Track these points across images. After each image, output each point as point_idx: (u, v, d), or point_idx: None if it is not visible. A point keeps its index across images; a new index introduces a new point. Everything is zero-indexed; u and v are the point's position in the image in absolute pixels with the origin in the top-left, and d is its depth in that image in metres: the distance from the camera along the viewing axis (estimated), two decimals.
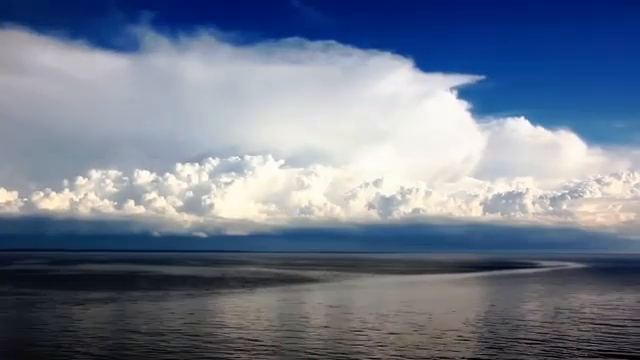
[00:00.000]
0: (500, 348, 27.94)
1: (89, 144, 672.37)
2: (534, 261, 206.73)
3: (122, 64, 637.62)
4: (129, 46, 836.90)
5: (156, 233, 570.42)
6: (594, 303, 49.80)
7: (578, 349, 27.83)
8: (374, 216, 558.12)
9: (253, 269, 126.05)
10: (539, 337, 31.02)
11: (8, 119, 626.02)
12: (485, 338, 30.83)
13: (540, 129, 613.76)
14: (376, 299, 56.18)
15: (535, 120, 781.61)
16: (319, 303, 50.12)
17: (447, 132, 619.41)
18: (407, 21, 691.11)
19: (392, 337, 31.18)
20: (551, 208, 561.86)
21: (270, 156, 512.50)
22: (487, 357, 25.99)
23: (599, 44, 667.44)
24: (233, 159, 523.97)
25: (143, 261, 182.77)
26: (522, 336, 31.35)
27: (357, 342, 29.53)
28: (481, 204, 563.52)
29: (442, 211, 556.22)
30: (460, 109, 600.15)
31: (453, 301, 52.42)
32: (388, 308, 45.34)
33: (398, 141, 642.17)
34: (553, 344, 28.95)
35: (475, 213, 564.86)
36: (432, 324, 35.92)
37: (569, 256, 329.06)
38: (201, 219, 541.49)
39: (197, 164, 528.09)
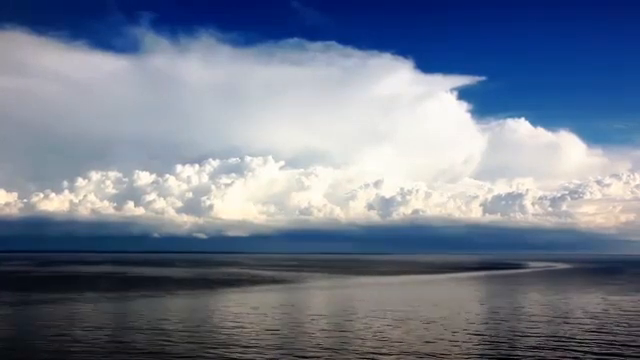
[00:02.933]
0: (398, 345, 28.11)
1: (89, 145, 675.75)
2: (525, 262, 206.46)
3: (122, 65, 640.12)
4: (129, 47, 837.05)
5: (156, 234, 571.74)
6: (536, 303, 50.06)
7: (489, 344, 27.98)
8: (374, 217, 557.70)
9: (234, 270, 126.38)
10: (450, 336, 31.28)
11: (8, 120, 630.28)
12: (388, 338, 30.95)
13: (540, 130, 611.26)
14: (323, 300, 56.36)
15: (535, 121, 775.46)
16: (261, 304, 50.34)
17: (447, 133, 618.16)
18: (407, 22, 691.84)
19: (303, 336, 31.39)
20: (551, 209, 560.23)
21: (270, 157, 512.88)
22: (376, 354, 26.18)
23: (599, 45, 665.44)
24: (233, 160, 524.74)
25: (131, 262, 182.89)
26: (428, 334, 31.57)
27: (258, 341, 29.73)
28: (481, 205, 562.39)
29: (442, 212, 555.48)
30: (460, 110, 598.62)
31: (395, 303, 52.49)
32: (326, 309, 45.66)
33: (398, 142, 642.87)
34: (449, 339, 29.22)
35: (475, 214, 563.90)
36: (352, 325, 36.11)
37: (564, 257, 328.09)
38: (201, 220, 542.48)
39: (197, 165, 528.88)
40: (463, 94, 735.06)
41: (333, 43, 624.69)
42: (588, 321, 38.13)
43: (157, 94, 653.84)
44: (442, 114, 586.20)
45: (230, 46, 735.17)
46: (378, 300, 54.63)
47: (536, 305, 48.51)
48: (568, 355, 26.63)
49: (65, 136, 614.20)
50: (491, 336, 31.59)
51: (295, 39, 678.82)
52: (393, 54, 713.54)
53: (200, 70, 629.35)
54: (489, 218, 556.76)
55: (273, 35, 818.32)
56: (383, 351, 27.27)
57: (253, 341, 29.86)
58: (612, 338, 31.28)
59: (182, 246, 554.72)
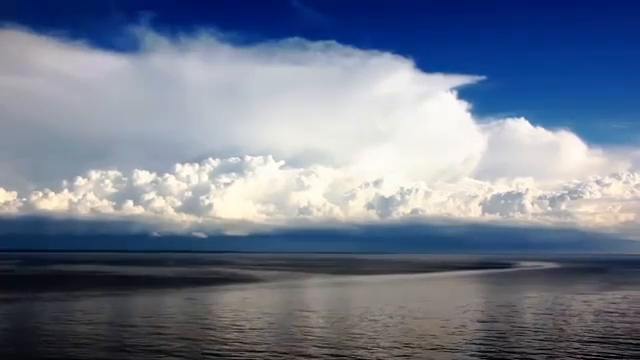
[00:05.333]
0: (341, 344, 28.63)
1: (88, 144, 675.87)
2: (516, 262, 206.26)
3: (122, 64, 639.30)
4: (129, 46, 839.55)
5: (155, 233, 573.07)
6: (490, 301, 50.80)
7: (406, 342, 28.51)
8: (373, 216, 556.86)
9: (218, 269, 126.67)
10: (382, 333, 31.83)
11: (8, 119, 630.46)
12: (316, 335, 31.47)
13: (540, 130, 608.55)
14: (283, 299, 56.91)
15: (535, 121, 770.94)
16: (217, 302, 50.93)
17: (447, 133, 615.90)
18: (407, 21, 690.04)
19: (234, 334, 31.92)
20: (550, 208, 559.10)
21: (270, 157, 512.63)
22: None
23: (599, 45, 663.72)
24: (233, 160, 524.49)
25: (122, 262, 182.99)
26: (363, 332, 32.08)
27: (208, 339, 30.27)
28: (480, 204, 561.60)
29: (441, 211, 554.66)
30: (460, 110, 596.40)
31: (353, 301, 53.05)
32: (277, 308, 46.23)
33: (398, 142, 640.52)
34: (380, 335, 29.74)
35: (474, 214, 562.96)
36: (288, 322, 36.76)
37: (561, 257, 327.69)
38: (200, 219, 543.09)
39: (197, 164, 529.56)
40: (463, 94, 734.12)
41: (333, 42, 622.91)
42: (530, 318, 38.69)
43: (157, 93, 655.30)
44: (442, 114, 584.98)
45: (230, 45, 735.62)
46: (336, 299, 55.21)
47: (487, 303, 49.03)
48: (484, 349, 27.19)
49: (65, 135, 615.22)
50: (417, 332, 32.09)
51: (295, 38, 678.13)
52: (393, 54, 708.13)
53: (200, 69, 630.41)
54: (488, 218, 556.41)
55: (273, 34, 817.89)
56: (302, 345, 27.79)
57: (186, 337, 30.44)
58: (541, 336, 31.83)
59: (181, 245, 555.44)
